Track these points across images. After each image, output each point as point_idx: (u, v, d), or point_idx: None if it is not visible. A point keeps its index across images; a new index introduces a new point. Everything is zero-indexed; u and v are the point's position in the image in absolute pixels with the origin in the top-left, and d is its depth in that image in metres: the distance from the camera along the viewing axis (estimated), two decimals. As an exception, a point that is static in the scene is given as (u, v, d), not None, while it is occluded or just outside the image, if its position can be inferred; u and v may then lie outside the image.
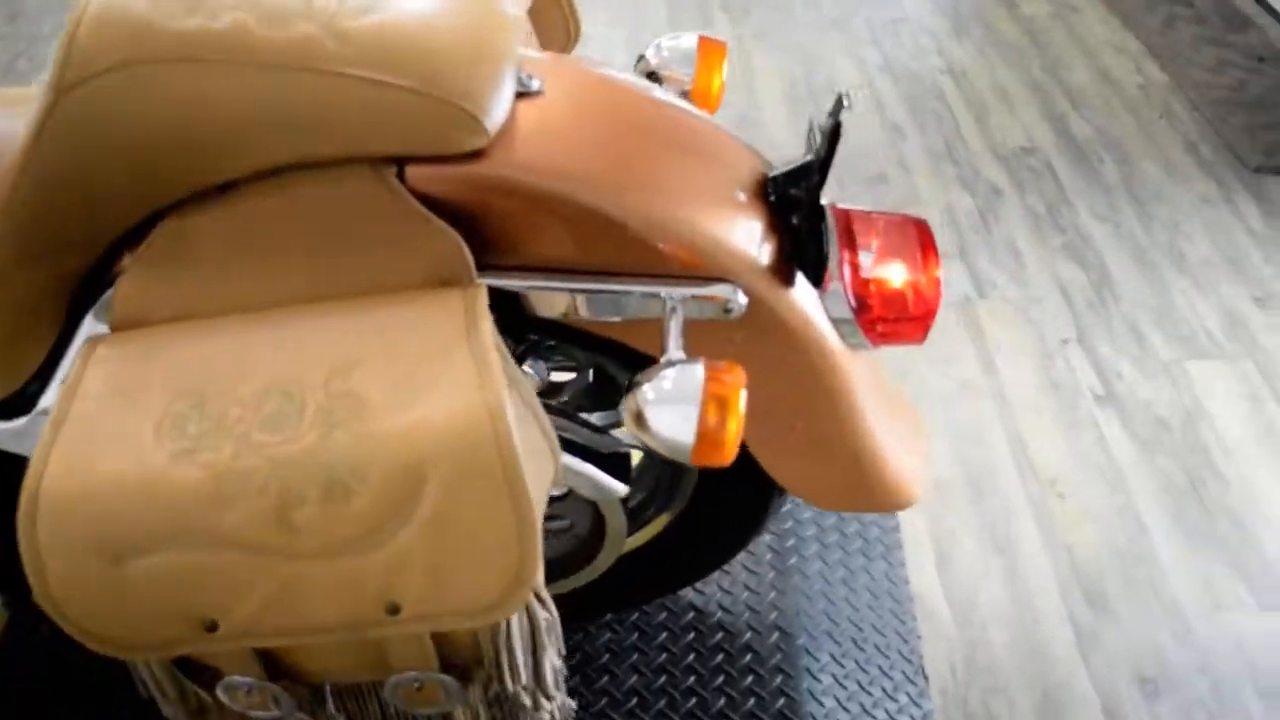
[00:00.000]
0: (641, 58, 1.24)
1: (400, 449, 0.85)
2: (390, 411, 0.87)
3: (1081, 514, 1.78)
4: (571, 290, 1.00)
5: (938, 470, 1.84)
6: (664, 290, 0.99)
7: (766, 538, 1.67)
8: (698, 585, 1.60)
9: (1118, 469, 1.85)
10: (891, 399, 1.24)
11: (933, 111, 2.74)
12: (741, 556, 1.64)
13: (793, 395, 1.10)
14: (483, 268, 0.98)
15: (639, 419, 0.92)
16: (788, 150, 2.58)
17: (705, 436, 0.90)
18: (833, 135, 0.98)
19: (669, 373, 0.92)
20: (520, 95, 0.99)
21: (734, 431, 0.91)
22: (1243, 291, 2.20)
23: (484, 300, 0.92)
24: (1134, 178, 2.51)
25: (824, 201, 1.11)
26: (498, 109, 0.94)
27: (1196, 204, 2.43)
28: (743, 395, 0.91)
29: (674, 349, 0.96)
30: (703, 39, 1.22)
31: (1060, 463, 1.86)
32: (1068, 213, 2.41)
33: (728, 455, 0.92)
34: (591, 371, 1.29)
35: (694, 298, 0.99)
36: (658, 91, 1.11)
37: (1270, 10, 3.03)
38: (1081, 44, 3.01)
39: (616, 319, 1.02)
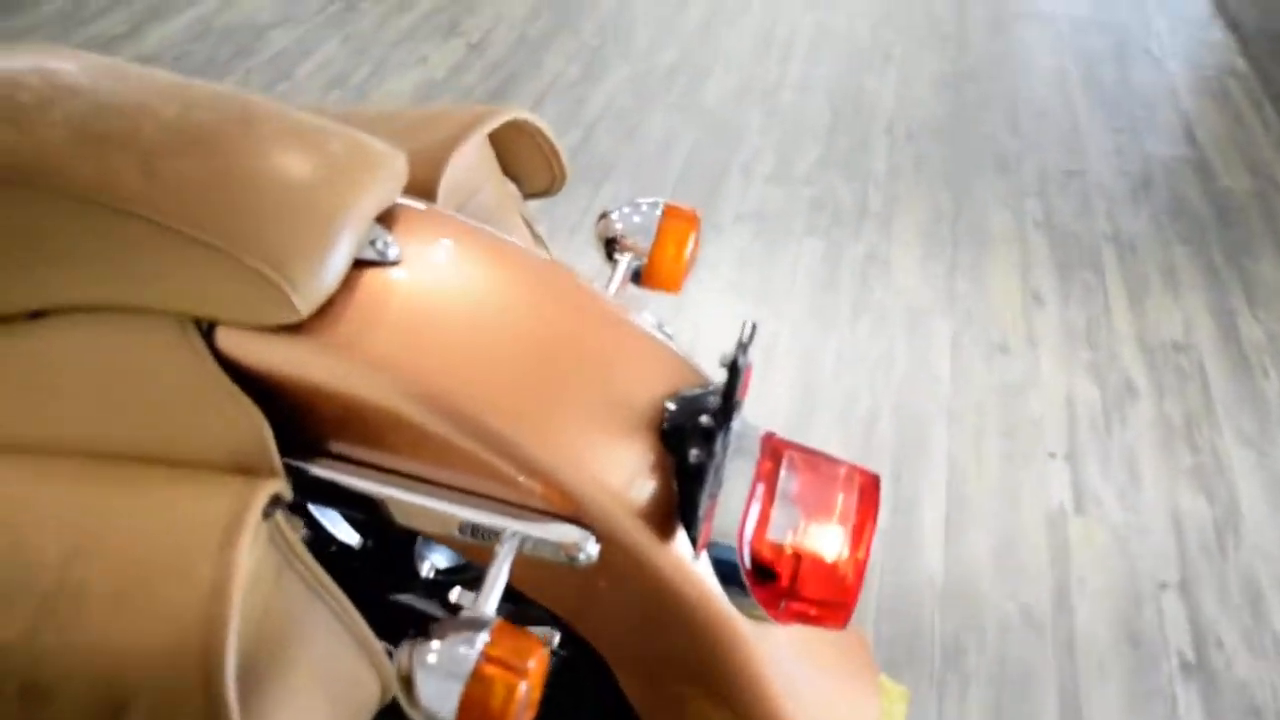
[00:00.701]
0: (604, 216, 1.06)
1: (103, 666, 0.75)
2: (107, 617, 0.75)
3: (1126, 810, 1.48)
4: (395, 498, 0.82)
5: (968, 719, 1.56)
6: (494, 520, 0.80)
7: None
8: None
9: (1186, 762, 1.54)
10: (830, 665, 1.01)
11: (1083, 282, 2.45)
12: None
13: (673, 662, 0.89)
14: (315, 453, 0.84)
15: (406, 681, 0.74)
16: (911, 298, 2.34)
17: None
18: (732, 368, 0.78)
19: (449, 635, 0.73)
20: (370, 263, 0.84)
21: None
22: (1402, 566, 1.83)
23: (261, 500, 0.76)
24: (1301, 400, 2.16)
25: (763, 431, 0.91)
26: (317, 279, 0.79)
27: (1370, 446, 2.06)
28: (523, 687, 0.72)
29: (484, 599, 0.77)
30: (669, 208, 1.04)
31: (1117, 738, 1.56)
32: (1209, 429, 2.08)
33: None
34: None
35: (534, 536, 0.80)
36: (563, 272, 0.92)
37: None
38: (1278, 231, 2.65)
39: (459, 539, 0.84)
